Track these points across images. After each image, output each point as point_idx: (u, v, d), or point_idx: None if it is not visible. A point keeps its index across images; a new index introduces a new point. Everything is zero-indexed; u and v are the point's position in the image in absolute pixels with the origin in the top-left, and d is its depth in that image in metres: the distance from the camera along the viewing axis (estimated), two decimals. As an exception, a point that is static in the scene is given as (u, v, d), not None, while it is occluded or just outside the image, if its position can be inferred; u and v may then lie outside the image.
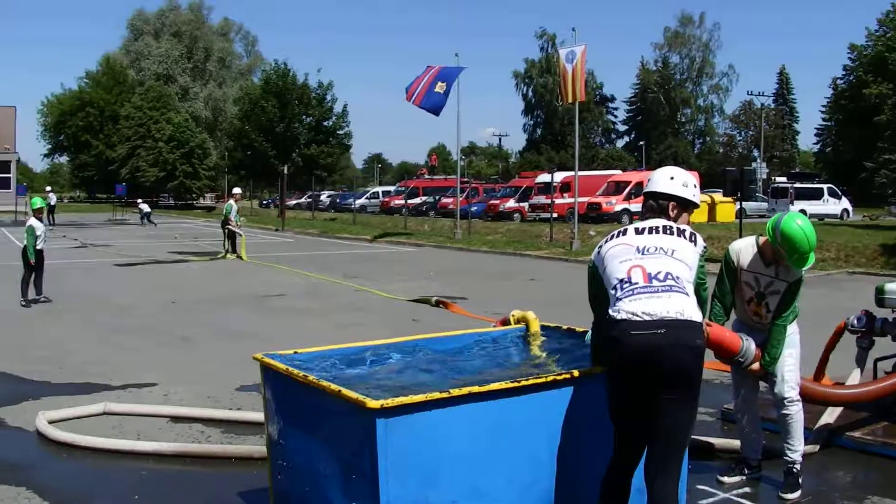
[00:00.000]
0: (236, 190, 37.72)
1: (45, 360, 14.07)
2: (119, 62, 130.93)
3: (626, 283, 5.81)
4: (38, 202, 21.69)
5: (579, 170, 40.17)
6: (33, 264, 20.67)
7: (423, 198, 71.09)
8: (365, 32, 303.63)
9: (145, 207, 67.70)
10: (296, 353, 7.04)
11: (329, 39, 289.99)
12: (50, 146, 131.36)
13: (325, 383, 5.83)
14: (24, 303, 20.46)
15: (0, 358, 14.11)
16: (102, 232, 56.49)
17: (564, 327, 8.10)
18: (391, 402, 5.38)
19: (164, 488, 8.15)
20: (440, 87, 41.41)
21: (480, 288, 24.05)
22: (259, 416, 8.05)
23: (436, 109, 41.73)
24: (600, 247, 6.26)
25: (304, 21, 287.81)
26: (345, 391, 5.59)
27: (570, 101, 38.23)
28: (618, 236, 6.20)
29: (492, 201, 61.53)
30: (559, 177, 49.52)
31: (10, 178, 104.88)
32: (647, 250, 5.94)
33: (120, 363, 13.75)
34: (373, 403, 5.31)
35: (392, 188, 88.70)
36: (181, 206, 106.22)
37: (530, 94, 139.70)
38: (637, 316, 5.58)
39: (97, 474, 8.60)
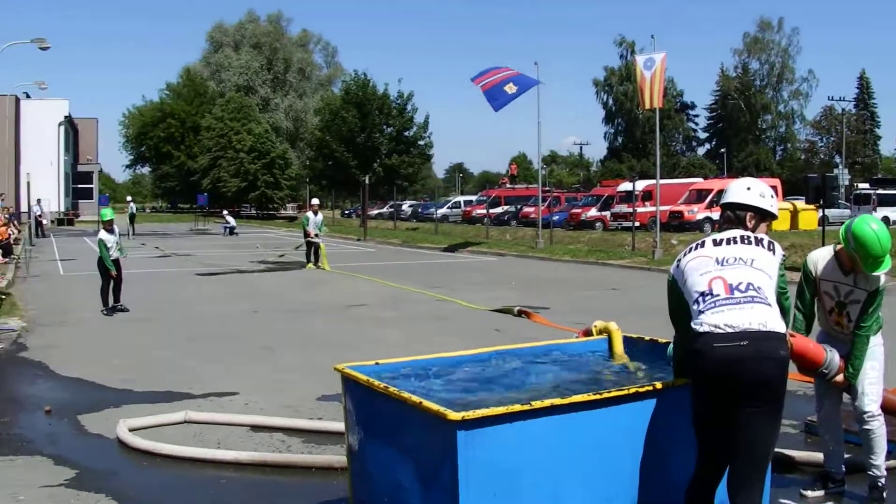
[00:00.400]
0: (314, 201, 37.76)
1: (127, 368, 14.23)
2: (199, 74, 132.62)
3: (707, 295, 5.75)
4: (107, 214, 21.78)
5: (661, 178, 39.87)
6: (112, 275, 20.88)
7: (505, 207, 70.74)
8: (445, 42, 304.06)
9: (231, 220, 68.24)
10: (377, 363, 7.02)
11: (409, 49, 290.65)
12: (132, 157, 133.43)
13: (406, 395, 5.81)
14: (105, 311, 20.69)
15: (82, 366, 14.34)
16: (184, 241, 57.21)
17: (647, 338, 8.01)
18: (472, 414, 5.34)
19: (243, 497, 8.19)
20: (510, 88, 41.22)
21: (562, 298, 23.90)
22: (339, 426, 8.01)
23: (497, 105, 41.52)
24: (679, 260, 6.21)
25: (384, 31, 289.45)
26: (426, 403, 5.57)
27: (647, 107, 38.05)
28: (696, 248, 6.14)
29: (573, 210, 60.99)
30: (641, 185, 49.13)
31: (92, 188, 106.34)
32: (727, 261, 5.89)
33: (201, 372, 13.88)
34: (454, 416, 5.28)
35: (474, 197, 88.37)
36: (263, 216, 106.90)
37: (611, 102, 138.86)
38: (720, 328, 5.51)
39: (177, 482, 8.64)
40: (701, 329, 5.60)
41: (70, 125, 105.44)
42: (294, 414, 10.93)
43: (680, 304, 6.07)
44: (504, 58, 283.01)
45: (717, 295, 5.71)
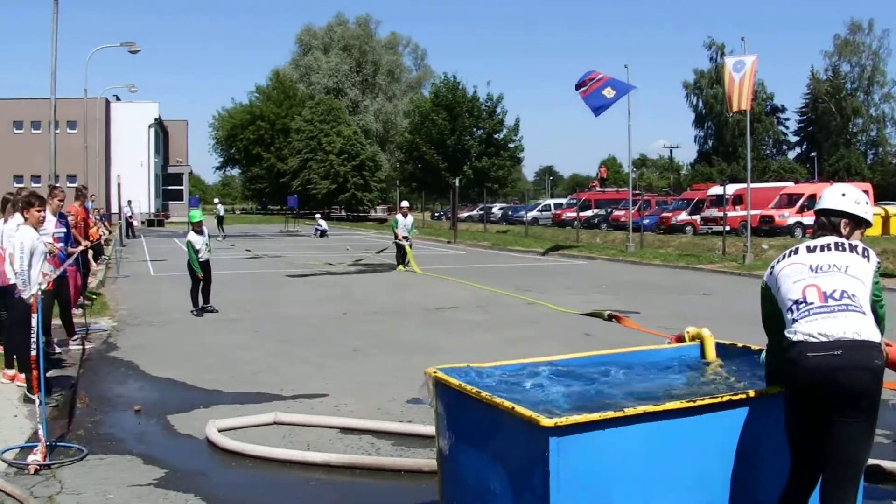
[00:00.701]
0: (403, 203, 37.84)
1: (216, 368, 14.42)
2: (288, 76, 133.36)
3: (801, 303, 5.69)
4: (196, 216, 22.01)
5: (751, 182, 39.49)
6: (199, 276, 21.07)
7: (595, 210, 70.64)
8: (534, 43, 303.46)
9: (323, 224, 68.69)
10: (469, 366, 7.00)
11: (498, 51, 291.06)
12: (221, 159, 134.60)
13: (498, 399, 5.78)
14: (194, 312, 20.91)
15: (171, 366, 14.55)
16: (274, 243, 57.67)
17: (740, 345, 7.91)
18: (565, 420, 5.31)
19: (332, 500, 8.24)
20: (608, 93, 41.32)
21: (653, 302, 23.75)
22: (429, 429, 8.02)
23: (597, 110, 41.55)
24: (772, 267, 6.15)
25: (472, 34, 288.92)
26: (518, 408, 5.54)
27: (734, 109, 37.75)
28: (790, 255, 6.08)
29: (663, 214, 60.78)
30: (731, 189, 48.85)
31: (182, 189, 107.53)
32: (821, 268, 5.82)
33: (290, 373, 13.98)
34: (546, 421, 5.25)
35: (564, 200, 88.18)
36: (353, 217, 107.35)
37: (700, 105, 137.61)
38: (813, 337, 5.46)
39: (265, 483, 8.70)
40: (794, 338, 5.55)
41: (160, 127, 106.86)
42: (384, 416, 10.97)
43: (773, 311, 6.02)
44: (593, 59, 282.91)
45: (811, 303, 5.65)
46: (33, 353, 9.74)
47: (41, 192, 14.17)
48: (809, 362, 5.41)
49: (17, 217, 12.97)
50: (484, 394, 5.97)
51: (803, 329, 5.52)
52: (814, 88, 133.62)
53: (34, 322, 9.72)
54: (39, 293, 9.97)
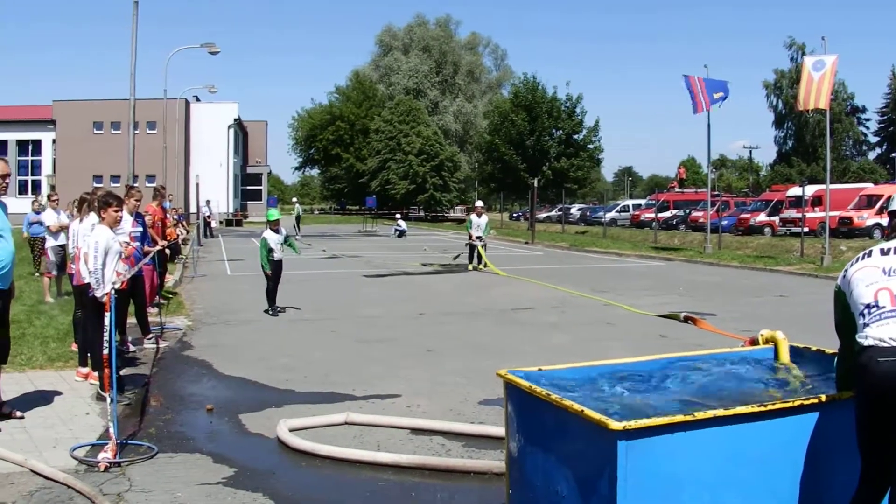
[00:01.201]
0: (478, 203, 37.84)
1: (289, 368, 14.46)
2: (368, 77, 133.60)
3: (873, 307, 5.57)
4: (273, 214, 22.01)
5: (830, 183, 39.06)
6: (269, 275, 21.11)
7: (674, 211, 70.35)
8: (614, 43, 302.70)
9: (402, 224, 68.85)
10: (540, 370, 6.94)
11: (579, 52, 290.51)
12: (301, 159, 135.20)
13: (567, 402, 5.72)
14: (270, 312, 20.97)
15: (245, 365, 14.65)
16: (352, 243, 57.88)
17: (814, 349, 7.76)
18: (634, 423, 5.23)
19: (401, 500, 8.20)
20: (718, 95, 42.49)
21: (729, 304, 23.56)
22: (500, 430, 7.96)
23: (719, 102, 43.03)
24: (846, 270, 6.03)
25: (553, 35, 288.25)
26: (587, 411, 5.47)
27: (804, 107, 37.44)
28: (863, 258, 5.95)
29: (742, 215, 60.24)
30: (810, 190, 48.53)
31: (261, 189, 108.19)
32: (894, 271, 5.67)
33: (364, 374, 13.97)
34: (615, 425, 5.17)
35: (642, 201, 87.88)
36: (432, 218, 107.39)
37: (780, 105, 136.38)
38: (884, 342, 5.34)
39: (335, 483, 8.70)
40: (866, 342, 5.43)
41: (239, 127, 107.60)
42: (456, 417, 10.94)
43: (846, 315, 5.90)
44: (673, 61, 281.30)
45: (883, 307, 5.53)
46: (105, 351, 9.77)
47: (119, 192, 14.28)
48: (880, 367, 5.29)
49: (93, 216, 13.08)
50: (553, 396, 5.90)
51: (874, 333, 5.40)
52: (895, 88, 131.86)
53: (107, 321, 9.75)
54: (113, 292, 9.99)
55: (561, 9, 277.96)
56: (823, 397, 5.99)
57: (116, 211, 12.66)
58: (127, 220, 15.56)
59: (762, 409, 5.71)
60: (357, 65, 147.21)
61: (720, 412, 5.55)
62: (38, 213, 23.47)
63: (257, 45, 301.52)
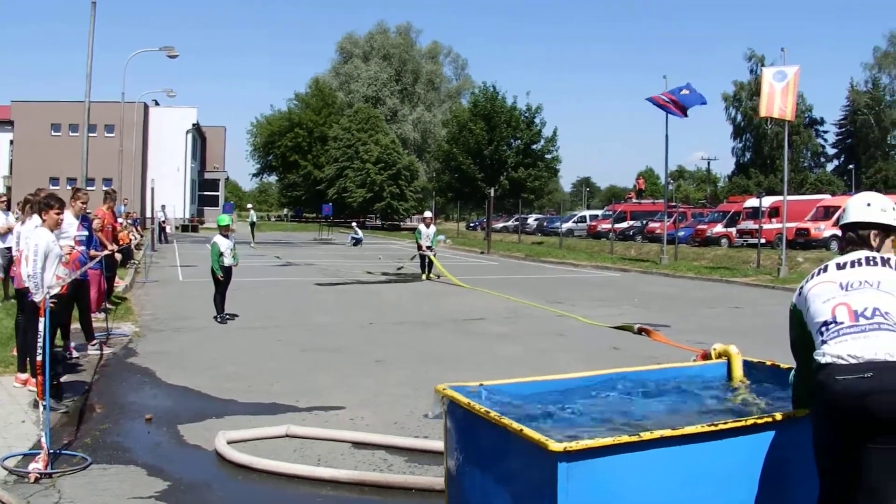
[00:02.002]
0: (426, 214, 38.16)
1: (234, 377, 14.20)
2: (328, 84, 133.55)
3: (830, 323, 5.36)
4: (224, 219, 21.64)
5: (788, 194, 39.14)
6: (220, 280, 20.83)
7: (631, 222, 70.65)
8: (573, 55, 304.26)
9: (359, 232, 68.68)
10: (482, 385, 6.72)
11: (539, 62, 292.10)
12: (259, 166, 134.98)
13: (506, 421, 5.47)
14: (218, 319, 20.68)
15: (188, 374, 14.40)
16: (307, 251, 57.72)
17: (769, 363, 7.55)
18: (575, 444, 4.98)
19: (339, 516, 7.97)
20: (684, 93, 42.89)
21: (685, 315, 23.51)
22: (443, 445, 7.74)
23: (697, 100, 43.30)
24: (801, 287, 5.82)
25: (513, 45, 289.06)
26: (527, 430, 5.22)
27: (769, 114, 37.50)
28: (819, 274, 5.75)
29: (699, 226, 60.58)
30: (767, 201, 48.79)
31: (218, 195, 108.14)
32: (851, 286, 5.48)
33: (309, 384, 13.74)
34: (555, 446, 4.92)
35: (600, 212, 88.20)
36: (388, 226, 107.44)
37: (739, 117, 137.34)
38: (842, 359, 5.11)
39: (271, 498, 8.54)
40: (823, 360, 5.20)
41: (198, 133, 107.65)
42: (400, 431, 10.70)
43: (802, 334, 5.69)
44: (632, 72, 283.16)
45: (841, 323, 5.31)
46: (39, 357, 9.48)
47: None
48: (838, 386, 5.07)
49: (36, 218, 12.77)
50: (493, 414, 5.66)
51: (832, 351, 5.18)
52: (853, 101, 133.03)
53: (41, 326, 9.48)
54: (48, 296, 9.72)
55: (522, 18, 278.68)
56: (779, 415, 5.76)
57: (58, 213, 12.37)
58: (72, 224, 15.33)
59: (713, 428, 5.45)
60: (317, 72, 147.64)
61: (668, 432, 5.30)
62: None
63: (217, 50, 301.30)
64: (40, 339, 9.56)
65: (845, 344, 5.16)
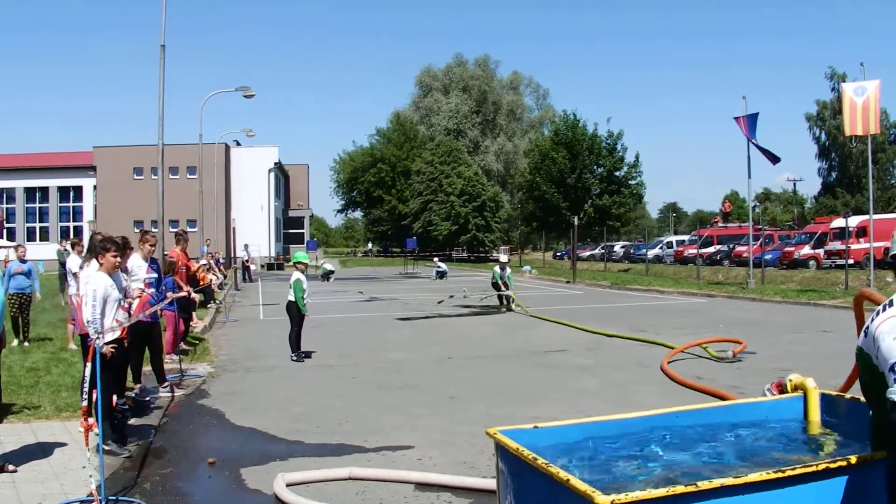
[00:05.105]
0: (502, 258, 38.74)
1: (303, 417, 14.04)
2: (409, 118, 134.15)
3: None
4: (300, 256, 21.59)
5: (875, 212, 38.41)
6: (302, 316, 20.73)
7: (718, 246, 69.90)
8: (655, 81, 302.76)
9: (442, 265, 68.61)
10: (536, 427, 6.37)
11: (620, 89, 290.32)
12: (343, 202, 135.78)
13: (554, 469, 5.08)
14: (294, 357, 20.51)
15: (257, 414, 14.30)
16: (391, 285, 57.69)
17: (848, 397, 7.04)
18: (624, 497, 4.57)
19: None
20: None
21: (770, 340, 22.95)
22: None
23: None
24: (867, 327, 5.37)
25: (594, 73, 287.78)
26: (573, 481, 4.82)
27: (849, 133, 36.98)
28: (885, 310, 5.27)
29: (786, 248, 59.75)
30: (854, 221, 47.95)
31: (303, 233, 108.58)
32: None
33: (379, 423, 13.51)
34: (602, 499, 4.52)
35: (686, 237, 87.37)
36: (474, 259, 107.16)
37: (823, 136, 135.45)
38: (919, 398, 4.63)
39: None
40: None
41: (280, 171, 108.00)
42: (468, 471, 10.39)
43: (873, 375, 5.20)
44: (713, 95, 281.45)
45: (913, 360, 4.82)
46: (84, 403, 9.32)
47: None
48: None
49: (94, 263, 12.61)
50: (541, 461, 5.27)
51: (906, 389, 4.71)
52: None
53: (87, 372, 9.34)
54: (98, 342, 9.54)
55: (603, 49, 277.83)
56: (853, 459, 5.27)
57: (115, 256, 12.20)
58: (142, 266, 15.26)
59: (779, 475, 4.99)
60: (397, 106, 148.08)
61: (729, 481, 4.85)
62: (23, 261, 22.94)
63: (295, 88, 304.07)
64: (86, 385, 9.39)
65: (919, 381, 4.71)
